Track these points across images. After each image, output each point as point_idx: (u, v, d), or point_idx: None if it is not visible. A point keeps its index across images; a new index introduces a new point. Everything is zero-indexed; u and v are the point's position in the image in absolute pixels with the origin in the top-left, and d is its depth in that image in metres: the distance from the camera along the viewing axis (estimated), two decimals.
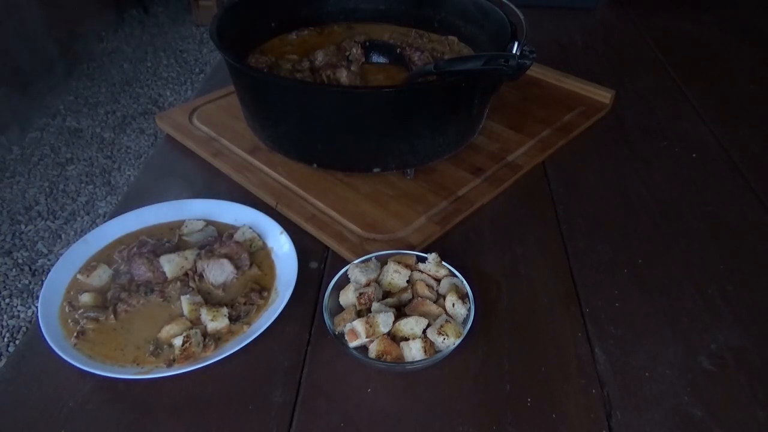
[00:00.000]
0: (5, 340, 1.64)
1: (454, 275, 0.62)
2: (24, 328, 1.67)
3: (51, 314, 0.59)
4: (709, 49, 1.25)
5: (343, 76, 0.81)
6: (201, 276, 0.64)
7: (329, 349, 0.58)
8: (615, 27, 1.34)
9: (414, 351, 0.54)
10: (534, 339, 0.60)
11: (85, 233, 0.66)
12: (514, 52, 0.65)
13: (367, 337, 0.54)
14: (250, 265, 0.65)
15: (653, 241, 0.73)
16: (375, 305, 0.57)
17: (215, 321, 0.58)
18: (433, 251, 0.63)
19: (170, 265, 0.63)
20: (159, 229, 0.71)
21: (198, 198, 0.74)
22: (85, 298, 0.61)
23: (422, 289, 0.60)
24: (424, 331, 0.56)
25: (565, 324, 0.62)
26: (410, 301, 0.60)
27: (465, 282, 0.61)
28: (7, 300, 1.74)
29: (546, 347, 0.59)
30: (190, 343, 0.55)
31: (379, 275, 0.61)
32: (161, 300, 0.61)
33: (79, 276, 0.64)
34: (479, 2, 0.87)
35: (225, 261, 0.64)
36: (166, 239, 0.68)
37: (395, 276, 0.60)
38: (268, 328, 0.58)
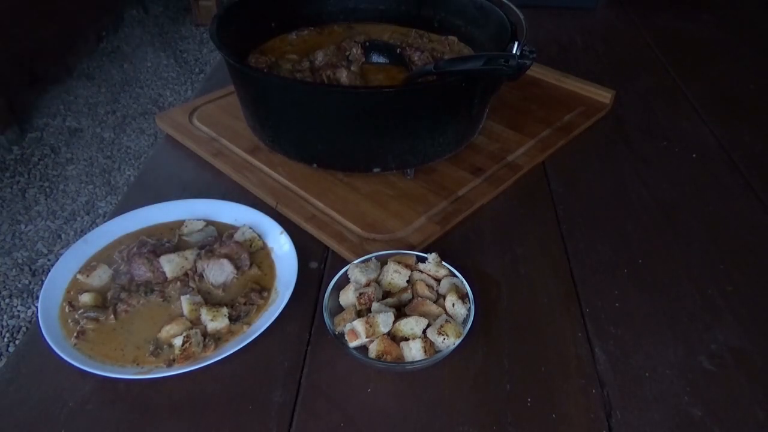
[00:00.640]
0: (5, 340, 1.64)
1: (454, 275, 0.62)
2: (24, 328, 1.67)
3: (51, 314, 0.59)
4: (709, 49, 1.25)
5: (343, 76, 0.81)
6: (201, 276, 0.64)
7: (329, 349, 0.58)
8: (615, 27, 1.34)
9: (414, 351, 0.54)
10: (534, 339, 0.60)
11: (85, 233, 0.66)
12: (514, 52, 0.65)
13: (367, 337, 0.54)
14: (250, 265, 0.65)
15: (653, 241, 0.73)
16: (375, 305, 0.57)
17: (215, 321, 0.58)
18: (433, 251, 0.63)
19: (170, 265, 0.63)
20: (159, 229, 0.71)
21: (198, 198, 0.74)
22: (85, 298, 0.61)
23: (422, 289, 0.60)
24: (424, 331, 0.56)
25: (565, 324, 0.62)
26: (410, 301, 0.60)
27: (465, 282, 0.61)
28: (7, 300, 1.74)
29: (546, 347, 0.59)
30: (190, 343, 0.55)
31: (379, 275, 0.61)
32: (161, 300, 0.61)
33: (79, 276, 0.64)
34: (479, 2, 0.87)
35: (225, 261, 0.64)
36: (166, 239, 0.68)
37: (395, 276, 0.60)
38: (268, 328, 0.58)
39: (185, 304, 0.60)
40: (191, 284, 0.63)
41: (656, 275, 0.68)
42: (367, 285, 0.59)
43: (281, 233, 0.68)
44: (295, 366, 0.57)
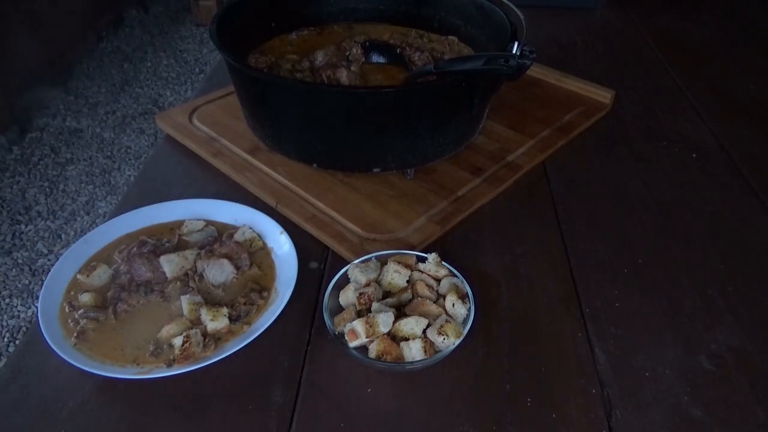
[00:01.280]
0: (5, 340, 1.64)
1: (454, 275, 0.62)
2: (24, 328, 1.67)
3: (51, 314, 0.59)
4: (709, 49, 1.25)
5: (343, 76, 0.81)
6: (201, 276, 0.64)
7: (329, 349, 0.59)
8: (615, 27, 1.34)
9: (414, 351, 0.54)
10: (534, 339, 0.60)
11: (85, 233, 0.66)
12: (514, 52, 0.65)
13: (367, 337, 0.54)
14: (250, 265, 0.65)
15: (653, 241, 0.73)
16: (375, 305, 0.57)
17: (215, 321, 0.58)
18: (433, 251, 0.63)
19: (170, 265, 0.63)
20: (159, 229, 0.71)
21: (198, 198, 0.74)
22: (85, 298, 0.61)
23: (422, 289, 0.60)
24: (424, 331, 0.56)
25: (565, 324, 0.62)
26: (410, 301, 0.60)
27: (465, 282, 0.61)
28: (7, 300, 1.74)
29: (546, 347, 0.59)
30: (190, 343, 0.55)
31: (379, 275, 0.61)
32: (161, 300, 0.61)
33: (79, 276, 0.64)
34: (479, 2, 0.87)
35: (225, 261, 0.64)
36: (166, 239, 0.68)
37: (395, 276, 0.60)
38: (268, 328, 0.58)
39: (185, 304, 0.60)
40: (191, 284, 0.63)
41: (656, 275, 0.68)
42: (367, 285, 0.59)
43: (281, 233, 0.68)
44: (295, 366, 0.57)
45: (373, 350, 0.55)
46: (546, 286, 0.66)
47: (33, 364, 0.57)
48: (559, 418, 0.53)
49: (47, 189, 2.15)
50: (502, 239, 0.72)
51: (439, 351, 0.55)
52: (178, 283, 0.63)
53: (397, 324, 0.55)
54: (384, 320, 0.55)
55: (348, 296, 0.59)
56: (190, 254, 0.65)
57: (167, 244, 0.67)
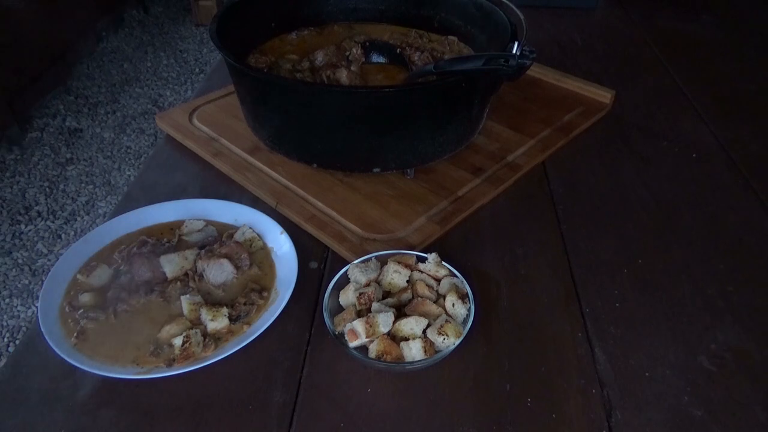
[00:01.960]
0: (5, 340, 1.64)
1: (454, 275, 0.62)
2: (24, 328, 1.67)
3: (51, 314, 0.59)
4: (709, 49, 1.25)
5: (343, 76, 0.81)
6: (201, 276, 0.64)
7: (329, 349, 0.58)
8: (615, 27, 1.34)
9: (414, 351, 0.54)
10: (534, 339, 0.60)
11: (85, 233, 0.66)
12: (514, 52, 0.65)
13: (367, 337, 0.54)
14: (250, 265, 0.65)
15: (653, 241, 0.73)
16: (375, 305, 0.57)
17: (215, 321, 0.58)
18: (433, 251, 0.63)
19: (170, 265, 0.63)
20: (159, 229, 0.71)
21: (198, 198, 0.74)
22: (85, 298, 0.61)
23: (422, 289, 0.60)
24: (424, 331, 0.56)
25: (565, 324, 0.62)
26: (410, 301, 0.60)
27: (465, 282, 0.61)
28: (7, 300, 1.74)
29: (546, 347, 0.59)
30: (190, 343, 0.55)
31: (379, 275, 0.61)
32: (161, 300, 0.61)
33: (79, 276, 0.64)
34: (479, 2, 0.87)
35: (225, 261, 0.64)
36: (166, 239, 0.68)
37: (395, 276, 0.60)
38: (268, 328, 0.58)
39: (185, 304, 0.60)
40: (191, 284, 0.63)
41: (656, 275, 0.68)
42: (367, 285, 0.59)
43: (281, 233, 0.68)
44: (295, 366, 0.57)
45: (373, 350, 0.55)
46: (546, 286, 0.66)
47: (33, 364, 0.57)
48: (559, 418, 0.53)
49: (47, 189, 2.15)
50: (502, 239, 0.72)
51: (439, 351, 0.55)
52: (178, 283, 0.63)
53: (397, 324, 0.55)
54: (384, 320, 0.55)
55: (348, 296, 0.59)
56: (190, 254, 0.65)
57: (167, 244, 0.67)
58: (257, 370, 0.57)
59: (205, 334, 0.57)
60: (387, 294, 0.61)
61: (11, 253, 1.89)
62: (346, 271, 0.61)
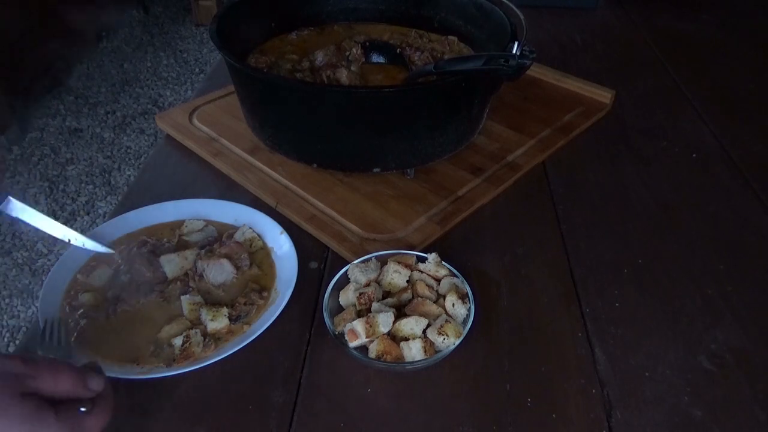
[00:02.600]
0: (5, 340, 1.63)
1: (454, 275, 0.62)
2: (24, 328, 1.67)
3: (51, 314, 0.59)
4: (709, 49, 1.25)
5: (343, 76, 0.81)
6: (201, 276, 0.64)
7: (329, 349, 0.58)
8: (615, 27, 1.34)
9: (414, 351, 0.54)
10: (534, 339, 0.60)
11: (85, 233, 0.66)
12: (514, 52, 0.65)
13: (367, 337, 0.54)
14: (250, 265, 0.65)
15: (653, 241, 0.73)
16: (375, 305, 0.57)
17: (215, 321, 0.58)
18: (433, 251, 0.63)
19: (170, 265, 0.63)
20: (159, 229, 0.71)
21: (198, 198, 0.74)
22: (85, 298, 0.61)
23: (422, 289, 0.60)
24: (424, 331, 0.56)
25: (565, 324, 0.62)
26: (410, 301, 0.60)
27: (465, 282, 0.61)
28: (7, 300, 1.74)
29: (546, 347, 0.59)
30: (190, 343, 0.55)
31: (379, 275, 0.61)
32: (161, 300, 0.61)
33: (79, 276, 0.64)
34: (479, 2, 0.87)
35: (225, 261, 0.64)
36: (166, 239, 0.68)
37: (395, 276, 0.60)
38: (268, 328, 0.58)
39: (185, 304, 0.60)
40: (191, 284, 0.63)
41: (656, 275, 0.68)
42: (367, 285, 0.59)
43: (281, 233, 0.68)
44: (295, 366, 0.57)
45: (373, 350, 0.55)
46: (546, 286, 0.66)
47: None
48: (559, 418, 0.53)
49: (47, 189, 2.15)
50: (502, 239, 0.72)
51: (439, 351, 0.55)
52: (178, 283, 0.63)
53: (397, 324, 0.55)
54: (384, 320, 0.55)
55: (348, 296, 0.59)
56: (190, 254, 0.65)
57: (167, 244, 0.67)
58: (257, 370, 0.57)
59: (205, 334, 0.57)
60: (387, 294, 0.61)
61: (11, 253, 1.88)
62: (346, 271, 0.61)
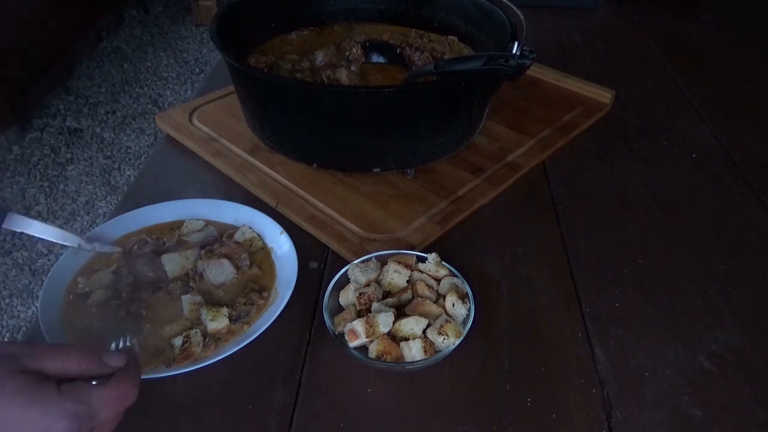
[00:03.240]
0: (5, 340, 1.63)
1: (454, 275, 0.62)
2: (24, 328, 1.67)
3: (51, 314, 0.59)
4: (709, 49, 1.25)
5: (343, 76, 0.81)
6: (201, 276, 0.64)
7: (329, 349, 0.58)
8: (615, 27, 1.34)
9: (414, 351, 0.54)
10: (534, 339, 0.60)
11: (85, 233, 0.66)
12: (514, 52, 0.65)
13: (367, 337, 0.54)
14: (250, 265, 0.65)
15: (653, 241, 0.73)
16: (375, 305, 0.57)
17: (215, 321, 0.58)
18: (433, 251, 0.63)
19: (172, 264, 0.63)
20: (159, 229, 0.71)
21: (198, 198, 0.74)
22: (85, 298, 0.61)
23: (422, 289, 0.60)
24: (424, 331, 0.56)
25: (565, 324, 0.62)
26: (410, 301, 0.60)
27: (465, 282, 0.61)
28: (7, 300, 1.74)
29: (546, 347, 0.59)
30: (190, 343, 0.55)
31: (379, 275, 0.61)
32: (162, 300, 0.61)
33: (78, 276, 0.64)
34: (479, 2, 0.87)
35: (225, 261, 0.64)
36: (166, 239, 0.68)
37: (395, 276, 0.60)
38: (268, 328, 0.58)
39: (185, 304, 0.60)
40: (191, 284, 0.63)
41: (656, 275, 0.68)
42: (367, 285, 0.59)
43: (281, 233, 0.68)
44: (295, 366, 0.57)
45: (373, 350, 0.55)
46: (546, 286, 0.66)
47: None
48: (559, 418, 0.53)
49: (47, 189, 2.15)
50: (502, 239, 0.72)
51: (439, 351, 0.55)
52: (179, 282, 0.63)
53: (397, 324, 0.55)
54: (384, 320, 0.55)
55: (348, 296, 0.59)
56: (191, 254, 0.65)
57: (167, 244, 0.67)
58: (257, 370, 0.57)
59: (205, 334, 0.57)
60: (387, 294, 0.61)
61: (11, 253, 1.88)
62: (346, 271, 0.61)
